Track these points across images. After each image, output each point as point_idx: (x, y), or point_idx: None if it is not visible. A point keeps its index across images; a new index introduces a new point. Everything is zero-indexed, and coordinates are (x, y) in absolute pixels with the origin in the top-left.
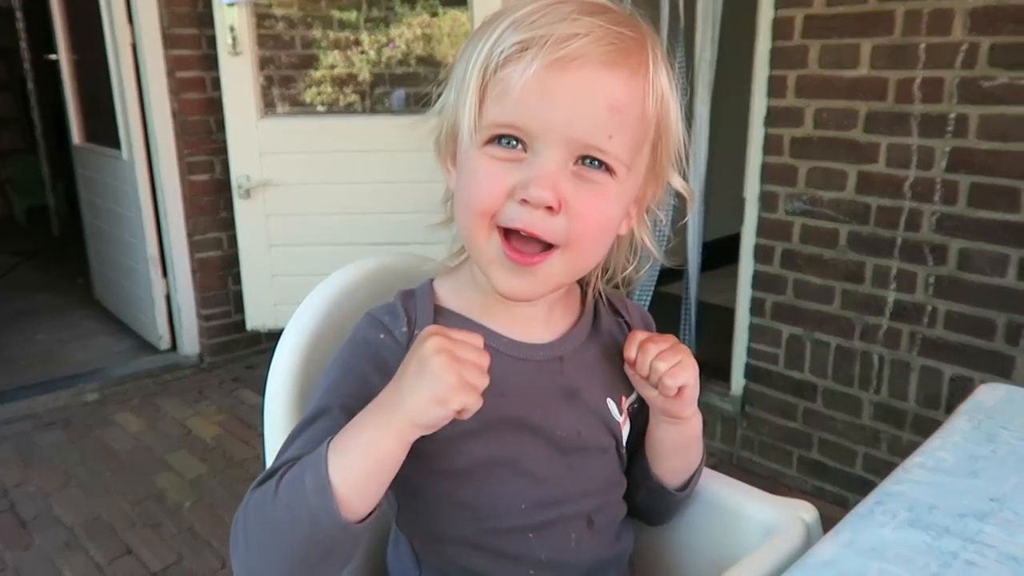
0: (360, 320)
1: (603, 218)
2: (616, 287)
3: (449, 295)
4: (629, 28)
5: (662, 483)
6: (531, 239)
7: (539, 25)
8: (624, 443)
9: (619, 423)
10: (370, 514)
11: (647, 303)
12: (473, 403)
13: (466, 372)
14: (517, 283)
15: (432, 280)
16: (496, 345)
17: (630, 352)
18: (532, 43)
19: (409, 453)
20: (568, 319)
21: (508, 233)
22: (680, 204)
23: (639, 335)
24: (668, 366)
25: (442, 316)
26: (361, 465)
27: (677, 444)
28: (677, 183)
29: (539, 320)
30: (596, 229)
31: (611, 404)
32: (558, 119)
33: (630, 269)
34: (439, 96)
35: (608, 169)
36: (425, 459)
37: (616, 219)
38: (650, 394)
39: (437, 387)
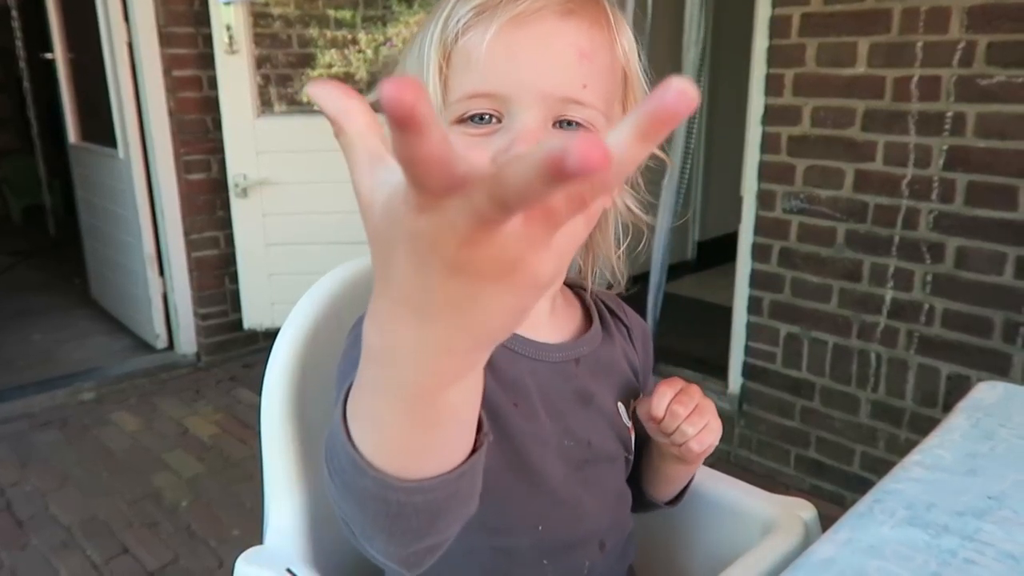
0: (360, 319)
1: None
2: (610, 285)
3: None
4: None
5: (654, 499)
6: None
7: None
8: (632, 450)
9: (628, 428)
10: (468, 457)
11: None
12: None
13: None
14: None
15: None
16: (511, 345)
17: (658, 411)
18: (487, 6)
19: None
20: (571, 321)
21: None
22: (658, 165)
23: (667, 392)
24: (695, 431)
25: None
26: (424, 436)
27: (680, 476)
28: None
29: (543, 317)
30: None
31: (621, 408)
32: (528, 75)
33: (623, 247)
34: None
35: (587, 131)
36: None
37: None
38: (666, 444)
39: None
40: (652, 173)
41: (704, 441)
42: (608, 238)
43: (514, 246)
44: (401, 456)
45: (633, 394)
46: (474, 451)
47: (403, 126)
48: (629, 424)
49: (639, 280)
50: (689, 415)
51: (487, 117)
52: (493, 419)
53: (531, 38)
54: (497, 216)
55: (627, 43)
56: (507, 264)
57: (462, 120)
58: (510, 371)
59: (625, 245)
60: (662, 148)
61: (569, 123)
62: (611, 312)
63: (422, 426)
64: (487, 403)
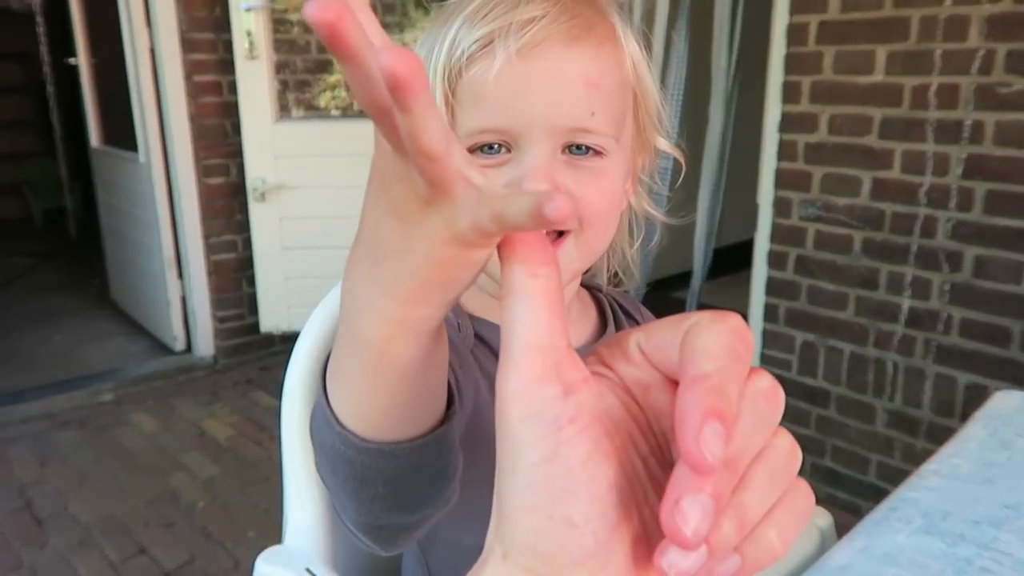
0: None
1: (607, 198)
2: (618, 281)
3: (472, 299)
4: (584, 2)
5: None
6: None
7: (494, 16)
8: None
9: None
10: (431, 430)
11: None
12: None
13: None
14: None
15: None
16: None
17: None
18: (493, 36)
19: None
20: (586, 324)
21: None
22: (673, 164)
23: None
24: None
25: (476, 325)
26: (376, 391)
27: None
28: (663, 144)
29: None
30: (605, 210)
31: None
32: (537, 111)
33: (636, 245)
34: None
35: (597, 152)
36: None
37: (620, 194)
38: None
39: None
40: (675, 177)
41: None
42: (623, 237)
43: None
44: (366, 415)
45: None
46: (441, 424)
47: (340, 55)
48: None
49: (663, 285)
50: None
51: (496, 147)
52: None
53: (538, 72)
54: (495, 233)
55: (635, 54)
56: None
57: (471, 150)
58: None
59: (639, 242)
60: (678, 146)
61: (579, 147)
62: (627, 314)
63: (380, 382)
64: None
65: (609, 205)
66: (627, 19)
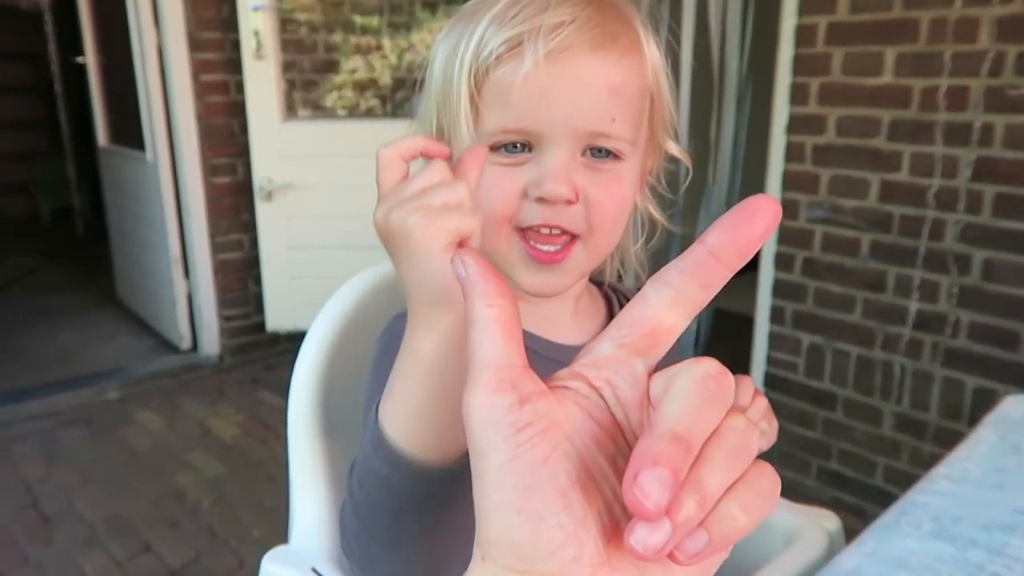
0: (392, 322)
1: (619, 203)
2: (619, 277)
3: None
4: (611, 8)
5: None
6: (551, 234)
7: (523, 19)
8: None
9: None
10: (455, 463)
11: None
12: (458, 222)
13: (430, 199)
14: (543, 279)
15: None
16: (534, 347)
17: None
18: (522, 39)
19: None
20: (594, 319)
21: (526, 231)
22: (678, 168)
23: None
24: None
25: None
26: (409, 390)
27: None
28: (673, 149)
29: (566, 318)
30: (615, 215)
31: None
32: (562, 114)
33: (638, 245)
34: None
35: (615, 156)
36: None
37: (630, 199)
38: None
39: (410, 237)
40: (693, 183)
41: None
42: (629, 237)
43: None
44: (410, 427)
45: None
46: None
47: None
48: None
49: None
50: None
51: (517, 146)
52: None
53: (565, 77)
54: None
55: (655, 61)
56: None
57: (493, 148)
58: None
59: (643, 239)
60: (687, 151)
61: (598, 150)
62: None
63: (414, 383)
64: None
65: (621, 209)
66: (649, 27)
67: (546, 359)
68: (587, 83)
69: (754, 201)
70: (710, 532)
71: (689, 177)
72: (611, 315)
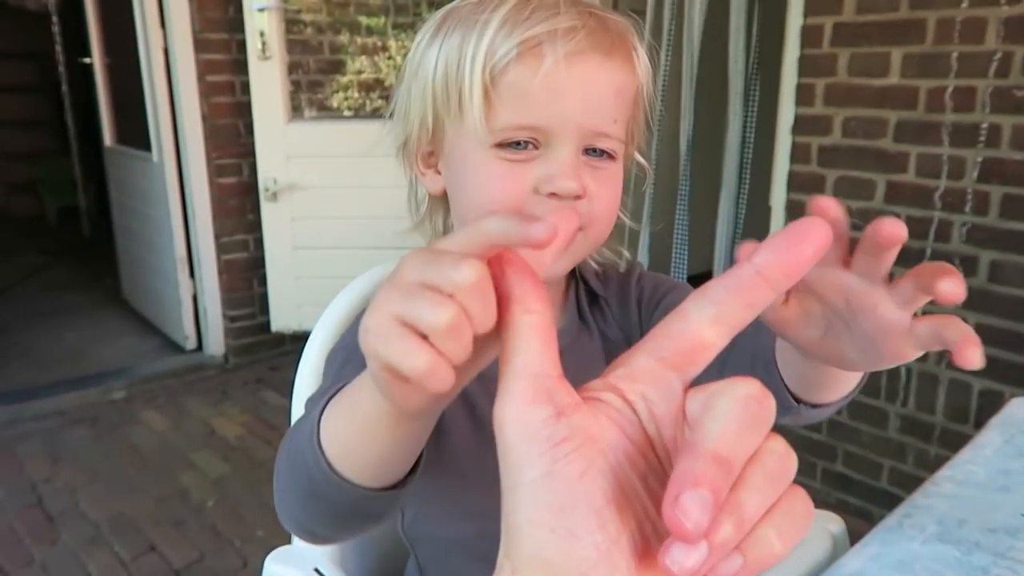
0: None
1: (615, 198)
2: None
3: None
4: (611, 17)
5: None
6: None
7: (537, 21)
8: None
9: None
10: (395, 485)
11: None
12: (435, 379)
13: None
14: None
15: None
16: None
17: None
18: (540, 40)
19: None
20: (561, 310)
21: None
22: (640, 172)
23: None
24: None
25: None
26: (346, 425)
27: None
28: (637, 155)
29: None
30: (612, 210)
31: None
32: (572, 113)
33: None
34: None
35: (610, 156)
36: (430, 463)
37: (620, 196)
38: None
39: (385, 352)
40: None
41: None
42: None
43: None
44: (351, 463)
45: None
46: (402, 483)
47: None
48: None
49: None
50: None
51: (526, 143)
52: (470, 408)
53: (578, 78)
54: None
55: (643, 70)
56: None
57: (502, 144)
58: (489, 368)
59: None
60: (641, 153)
61: (596, 151)
62: (591, 294)
63: (370, 445)
64: (466, 394)
65: (615, 205)
66: (640, 36)
67: None
68: (598, 85)
69: (805, 223)
70: (745, 556)
71: (647, 182)
72: (576, 299)
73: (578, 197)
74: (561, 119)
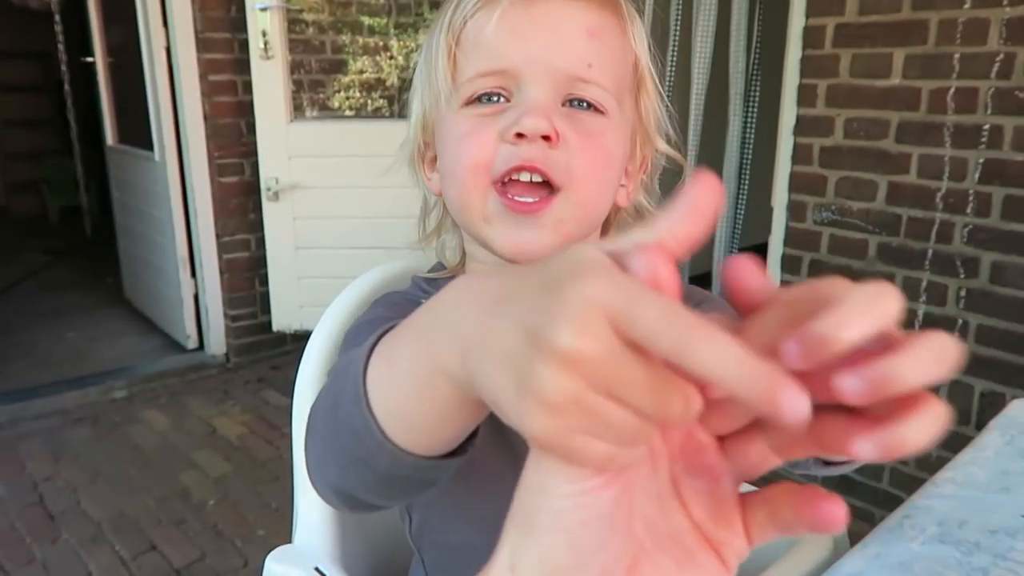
0: (381, 297)
1: (604, 152)
2: None
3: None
4: None
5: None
6: (531, 183)
7: None
8: None
9: None
10: (450, 454)
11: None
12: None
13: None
14: (521, 234)
15: (452, 276)
16: None
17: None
18: None
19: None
20: None
21: (505, 189)
22: (673, 165)
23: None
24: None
25: None
26: (404, 394)
27: None
28: (663, 147)
29: None
30: (599, 164)
31: None
32: (536, 50)
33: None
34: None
35: (597, 109)
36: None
37: (617, 158)
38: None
39: (533, 385)
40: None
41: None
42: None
43: None
44: (404, 429)
45: None
46: (452, 454)
47: None
48: None
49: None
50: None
51: (496, 97)
52: (495, 418)
53: (539, 16)
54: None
55: (639, 33)
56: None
57: (471, 101)
58: None
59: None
60: (677, 148)
61: (580, 102)
62: None
63: (428, 412)
64: None
65: (605, 160)
66: (634, 7)
67: None
68: (563, 23)
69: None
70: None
71: (684, 176)
72: None
73: (548, 139)
74: (524, 58)
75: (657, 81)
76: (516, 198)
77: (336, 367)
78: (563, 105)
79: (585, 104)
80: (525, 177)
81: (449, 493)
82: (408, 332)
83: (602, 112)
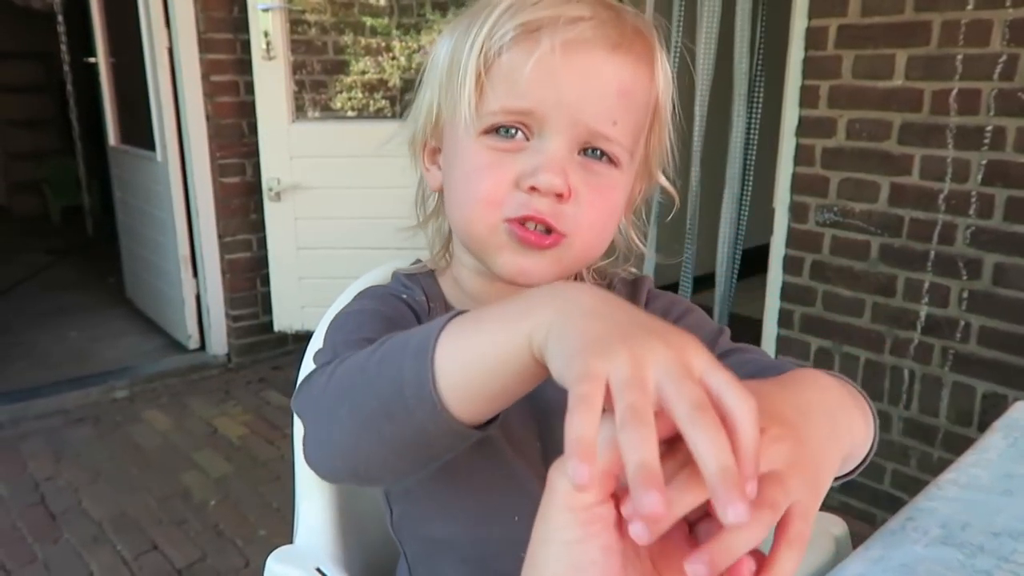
0: (365, 291)
1: (610, 209)
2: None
3: (446, 292)
4: (631, 13)
5: None
6: (537, 231)
7: (544, 7)
8: None
9: None
10: (481, 426)
11: None
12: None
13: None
14: (525, 262)
15: (432, 271)
16: None
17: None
18: (539, 24)
19: None
20: None
21: (512, 221)
22: (666, 200)
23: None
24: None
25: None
26: (474, 356)
27: None
28: (663, 180)
29: None
30: (604, 220)
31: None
32: (568, 101)
33: (605, 262)
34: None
35: (611, 160)
36: None
37: (620, 211)
38: None
39: (610, 356)
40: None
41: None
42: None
43: None
44: (460, 385)
45: None
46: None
47: None
48: None
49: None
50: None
51: (515, 131)
52: None
53: (577, 66)
54: None
55: (664, 78)
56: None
57: (490, 130)
58: None
59: (620, 261)
60: (672, 181)
61: (594, 151)
62: None
63: (506, 379)
64: None
65: (609, 216)
66: (663, 42)
67: None
68: (599, 78)
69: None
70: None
71: (674, 210)
72: None
73: (560, 196)
74: (554, 105)
75: (670, 115)
76: (528, 227)
77: (369, 350)
78: (579, 153)
79: (599, 153)
80: (532, 224)
81: (428, 486)
82: (494, 316)
83: (616, 165)
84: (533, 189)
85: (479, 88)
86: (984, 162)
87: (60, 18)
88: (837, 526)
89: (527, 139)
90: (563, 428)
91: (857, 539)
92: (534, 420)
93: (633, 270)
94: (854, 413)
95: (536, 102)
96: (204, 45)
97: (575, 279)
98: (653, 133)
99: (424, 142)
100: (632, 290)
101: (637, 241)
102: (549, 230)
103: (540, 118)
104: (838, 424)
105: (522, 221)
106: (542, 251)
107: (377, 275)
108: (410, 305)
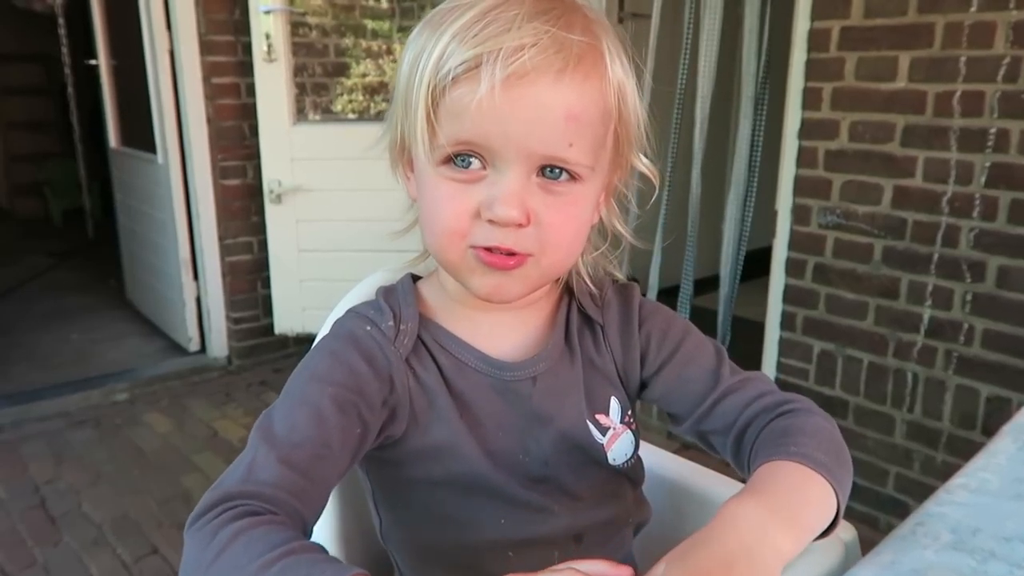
0: (342, 317)
1: (575, 225)
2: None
3: (430, 299)
4: (578, 28)
5: None
6: (501, 255)
7: (485, 37)
8: (629, 456)
9: (602, 445)
10: None
11: (687, 315)
12: None
13: None
14: (496, 281)
15: (412, 278)
16: (463, 357)
17: None
18: (480, 60)
19: (383, 460)
20: (543, 334)
21: (478, 248)
22: (646, 184)
23: None
24: None
25: (425, 328)
26: None
27: None
28: (640, 165)
29: (517, 331)
30: (569, 237)
31: (592, 426)
32: (515, 136)
33: (596, 252)
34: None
35: (572, 176)
36: (400, 466)
37: (587, 220)
38: None
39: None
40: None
41: None
42: (587, 246)
43: None
44: None
45: (619, 397)
46: None
47: None
48: (604, 440)
49: (673, 292)
50: None
51: (471, 160)
52: (444, 424)
53: (522, 100)
54: None
55: (620, 79)
56: None
57: (447, 160)
58: (458, 382)
59: (606, 247)
60: (652, 160)
61: (553, 169)
62: (586, 317)
63: None
64: (435, 406)
65: (575, 232)
66: (617, 40)
67: (472, 370)
68: (545, 109)
69: None
70: None
71: (655, 194)
72: (566, 321)
73: (520, 226)
74: (502, 139)
75: (638, 107)
76: (492, 254)
77: None
78: (538, 175)
79: (559, 171)
80: (496, 250)
81: (415, 492)
82: None
83: (578, 179)
84: (492, 221)
85: (430, 125)
86: (988, 164)
87: (61, 20)
88: (846, 531)
89: (484, 167)
90: (546, 437)
91: (861, 543)
92: (518, 429)
93: (620, 276)
94: (805, 509)
95: (484, 138)
96: (205, 47)
97: (569, 282)
98: (621, 127)
99: (400, 152)
100: (623, 299)
101: (621, 228)
102: (512, 254)
103: (492, 151)
104: (764, 551)
105: (487, 248)
106: (509, 271)
107: (378, 278)
108: (375, 338)
